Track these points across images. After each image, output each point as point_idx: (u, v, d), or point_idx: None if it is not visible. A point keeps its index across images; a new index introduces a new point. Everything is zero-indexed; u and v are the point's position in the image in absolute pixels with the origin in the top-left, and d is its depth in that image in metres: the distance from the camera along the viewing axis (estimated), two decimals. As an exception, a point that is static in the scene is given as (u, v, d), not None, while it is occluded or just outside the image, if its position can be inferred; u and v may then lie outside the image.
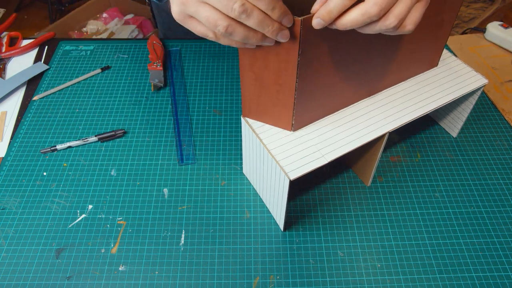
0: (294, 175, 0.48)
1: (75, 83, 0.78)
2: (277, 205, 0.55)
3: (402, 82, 0.61)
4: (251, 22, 0.38)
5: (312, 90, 0.49)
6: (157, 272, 0.53)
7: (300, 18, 0.40)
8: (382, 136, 0.54)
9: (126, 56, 0.83)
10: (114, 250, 0.55)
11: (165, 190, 0.62)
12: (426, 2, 0.41)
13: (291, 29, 0.41)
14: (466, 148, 0.68)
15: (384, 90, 0.59)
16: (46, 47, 0.86)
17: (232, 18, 0.38)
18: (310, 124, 0.54)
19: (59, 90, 0.77)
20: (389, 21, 0.39)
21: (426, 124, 0.71)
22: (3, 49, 0.84)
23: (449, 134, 0.70)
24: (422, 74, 0.63)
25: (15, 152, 0.66)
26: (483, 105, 0.75)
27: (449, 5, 0.55)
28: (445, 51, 0.65)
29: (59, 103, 0.74)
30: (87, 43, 0.87)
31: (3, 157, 0.66)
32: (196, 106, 0.74)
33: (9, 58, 0.84)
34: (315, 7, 0.40)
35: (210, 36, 0.41)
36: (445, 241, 0.57)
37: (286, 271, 0.53)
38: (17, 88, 0.77)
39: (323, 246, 0.56)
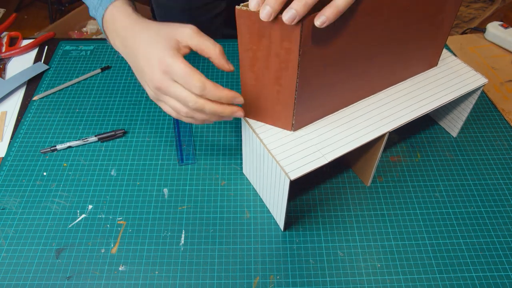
0: (294, 175, 0.48)
1: (75, 83, 0.78)
2: (277, 205, 0.55)
3: (402, 82, 0.61)
4: (207, 112, 0.48)
5: (312, 90, 0.49)
6: (157, 272, 0.53)
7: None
8: (382, 136, 0.54)
9: (126, 56, 0.83)
10: (114, 250, 0.55)
11: (165, 190, 0.62)
12: None
13: (292, 30, 0.41)
14: (466, 148, 0.68)
15: (384, 90, 0.59)
16: (46, 47, 0.86)
17: (199, 96, 0.47)
18: (310, 124, 0.54)
19: (59, 90, 0.77)
20: None
21: (426, 124, 0.71)
22: (3, 49, 0.84)
23: (449, 134, 0.70)
24: (422, 73, 0.63)
25: (15, 152, 0.66)
26: (483, 105, 0.75)
27: (448, 5, 0.55)
28: (444, 50, 0.65)
29: (59, 103, 0.74)
30: (87, 43, 0.86)
31: (3, 157, 0.66)
32: (196, 106, 0.73)
33: (9, 58, 0.84)
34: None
35: (174, 115, 0.51)
36: (445, 241, 0.57)
37: (286, 271, 0.53)
38: (17, 88, 0.77)
39: (323, 246, 0.56)
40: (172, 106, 0.49)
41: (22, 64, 0.82)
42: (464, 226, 0.58)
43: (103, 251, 0.55)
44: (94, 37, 1.66)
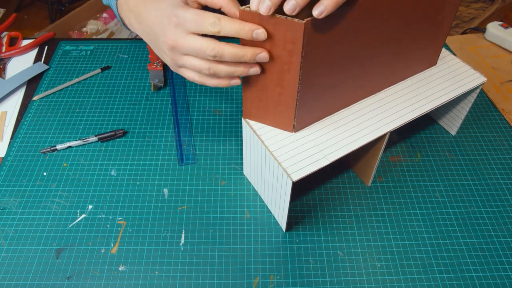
0: (296, 177, 0.48)
1: (75, 83, 0.78)
2: (279, 206, 0.55)
3: (402, 81, 0.61)
4: (227, 58, 0.45)
5: (313, 91, 0.49)
6: (157, 272, 0.53)
7: (303, 22, 0.40)
8: (383, 136, 0.54)
9: (126, 56, 0.83)
10: (114, 250, 0.55)
11: (165, 190, 0.62)
12: None
13: (295, 32, 0.41)
14: (466, 148, 0.68)
15: (384, 90, 0.59)
16: (46, 47, 0.86)
17: (212, 61, 0.46)
18: (311, 125, 0.54)
19: (59, 90, 0.77)
20: None
21: (426, 123, 0.71)
22: (3, 49, 0.84)
23: (449, 133, 0.70)
24: (421, 73, 0.63)
25: (15, 152, 0.66)
26: (483, 105, 0.75)
27: (448, 4, 0.55)
28: (443, 49, 0.65)
29: (59, 103, 0.74)
30: (87, 43, 0.87)
31: (3, 157, 0.66)
32: (196, 106, 0.74)
33: (9, 58, 0.84)
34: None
35: (197, 80, 0.49)
36: (445, 241, 0.57)
37: (286, 271, 0.53)
38: (17, 88, 0.77)
39: (323, 246, 0.56)
40: (191, 66, 0.47)
41: (22, 64, 0.82)
42: (464, 226, 0.58)
43: (103, 251, 0.55)
44: (94, 37, 1.66)
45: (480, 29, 0.91)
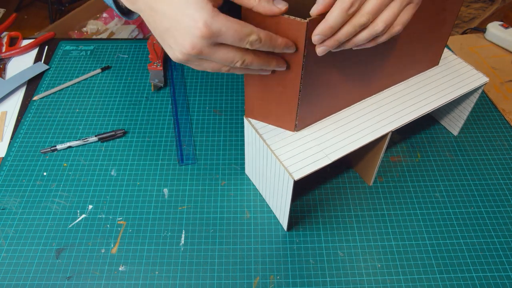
0: (298, 175, 0.48)
1: (75, 83, 0.78)
2: (280, 205, 0.55)
3: (404, 81, 0.61)
4: (255, 67, 0.42)
5: (315, 91, 0.49)
6: (157, 272, 0.53)
7: (305, 21, 0.40)
8: (385, 136, 0.54)
9: (126, 56, 0.83)
10: (114, 250, 0.55)
11: (165, 190, 0.62)
12: (417, 4, 0.43)
13: (297, 32, 0.41)
14: (466, 148, 0.68)
15: (386, 89, 0.59)
16: (46, 47, 0.86)
17: (245, 52, 0.41)
18: (313, 124, 0.54)
19: (59, 90, 0.77)
20: (377, 27, 0.41)
21: (427, 123, 0.71)
22: (3, 49, 0.84)
23: (450, 133, 0.70)
24: (423, 72, 0.63)
25: (15, 152, 0.66)
26: (483, 105, 0.75)
27: (450, 3, 0.55)
28: (445, 49, 0.65)
29: (59, 103, 0.74)
30: (87, 43, 0.86)
31: (3, 157, 0.66)
32: (196, 106, 0.74)
33: (9, 58, 0.83)
34: (314, 9, 0.40)
35: (224, 70, 0.43)
36: (445, 241, 0.57)
37: (286, 271, 0.53)
38: (17, 88, 0.77)
39: (323, 246, 0.56)
40: (221, 58, 0.41)
41: (22, 64, 0.82)
42: (464, 226, 0.58)
43: (103, 251, 0.55)
44: (94, 37, 1.66)
45: (480, 29, 0.91)
